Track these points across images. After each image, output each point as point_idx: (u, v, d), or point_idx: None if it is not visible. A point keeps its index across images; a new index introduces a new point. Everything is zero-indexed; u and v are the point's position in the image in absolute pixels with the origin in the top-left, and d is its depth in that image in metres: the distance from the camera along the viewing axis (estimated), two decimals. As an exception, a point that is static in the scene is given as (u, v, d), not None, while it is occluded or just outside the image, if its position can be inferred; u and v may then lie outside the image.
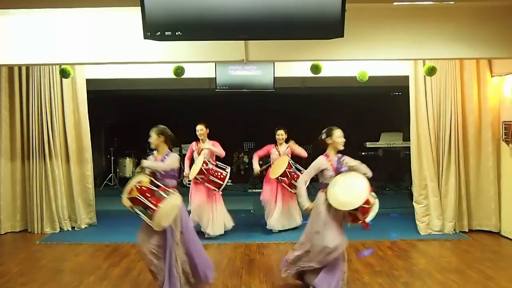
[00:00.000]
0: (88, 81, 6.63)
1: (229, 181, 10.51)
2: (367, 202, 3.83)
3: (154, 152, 4.12)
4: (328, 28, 3.31)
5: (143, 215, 3.80)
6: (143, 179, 3.86)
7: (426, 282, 4.39)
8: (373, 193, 3.94)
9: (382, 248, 5.51)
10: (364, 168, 4.07)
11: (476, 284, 4.33)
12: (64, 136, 6.57)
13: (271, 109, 9.88)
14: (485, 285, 4.30)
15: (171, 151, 4.14)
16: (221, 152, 6.12)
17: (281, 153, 6.53)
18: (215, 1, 3.27)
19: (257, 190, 9.69)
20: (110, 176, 10.19)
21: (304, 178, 4.13)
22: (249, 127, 10.36)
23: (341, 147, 4.09)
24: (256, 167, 6.59)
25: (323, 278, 3.94)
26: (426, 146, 6.15)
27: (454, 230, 6.16)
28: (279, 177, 6.25)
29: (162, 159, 4.01)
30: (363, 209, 3.86)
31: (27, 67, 6.29)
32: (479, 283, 4.33)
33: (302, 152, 6.52)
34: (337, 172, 4.02)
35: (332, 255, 3.90)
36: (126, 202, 3.81)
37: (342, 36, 3.33)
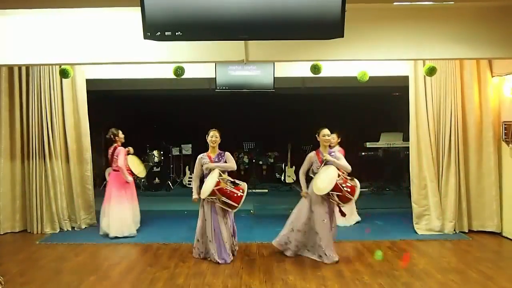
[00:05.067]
0: (88, 81, 6.63)
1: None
2: (336, 189, 4.79)
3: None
4: (328, 28, 3.32)
5: (227, 200, 4.82)
6: (217, 174, 4.92)
7: (426, 282, 4.39)
8: (354, 182, 4.94)
9: (382, 248, 5.51)
10: (341, 163, 5.04)
11: (476, 284, 4.32)
12: (64, 136, 6.56)
13: (271, 109, 9.89)
14: (485, 285, 4.29)
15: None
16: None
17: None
18: (215, 1, 3.28)
19: (257, 191, 9.70)
20: (110, 176, 10.18)
21: (301, 170, 5.22)
22: (249, 127, 10.36)
23: (325, 144, 5.09)
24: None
25: None
26: (426, 146, 6.14)
27: (454, 230, 6.15)
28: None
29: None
30: (339, 196, 4.84)
31: (27, 67, 6.29)
32: (479, 283, 4.33)
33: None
34: (322, 163, 5.05)
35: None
36: (208, 195, 4.81)
37: (342, 36, 3.33)
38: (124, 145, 6.40)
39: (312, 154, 5.15)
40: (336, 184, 4.80)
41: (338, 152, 5.31)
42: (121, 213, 6.08)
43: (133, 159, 6.52)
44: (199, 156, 5.17)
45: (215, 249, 4.99)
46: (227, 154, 5.14)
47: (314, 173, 5.12)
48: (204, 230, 5.07)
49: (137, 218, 6.46)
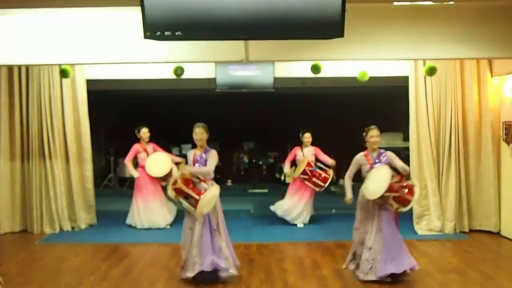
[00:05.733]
0: (88, 81, 6.62)
1: (229, 181, 10.65)
2: (392, 190, 4.23)
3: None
4: (328, 28, 3.32)
5: (187, 204, 4.24)
6: (185, 171, 4.38)
7: (426, 282, 4.39)
8: (412, 181, 4.40)
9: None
10: (400, 164, 4.55)
11: (476, 284, 4.32)
12: (64, 136, 6.55)
13: (271, 109, 9.88)
14: (485, 286, 4.30)
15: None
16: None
17: (305, 154, 6.81)
18: (215, 1, 3.27)
19: (256, 191, 9.70)
20: (109, 176, 10.18)
21: (348, 174, 4.73)
22: (249, 127, 10.35)
23: (374, 146, 4.58)
24: (288, 170, 7.06)
25: None
26: (426, 146, 6.14)
27: (455, 230, 6.15)
28: (300, 176, 6.65)
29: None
30: (396, 198, 4.27)
31: (27, 67, 6.29)
32: (479, 284, 4.33)
33: (327, 159, 6.82)
34: (373, 166, 4.51)
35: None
36: (172, 193, 4.30)
37: (342, 36, 3.33)
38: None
39: (360, 156, 4.61)
40: (391, 184, 4.22)
41: (388, 153, 4.65)
42: (138, 206, 6.55)
43: (156, 157, 6.59)
44: (187, 153, 4.70)
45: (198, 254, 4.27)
46: (211, 152, 4.45)
47: (364, 177, 4.57)
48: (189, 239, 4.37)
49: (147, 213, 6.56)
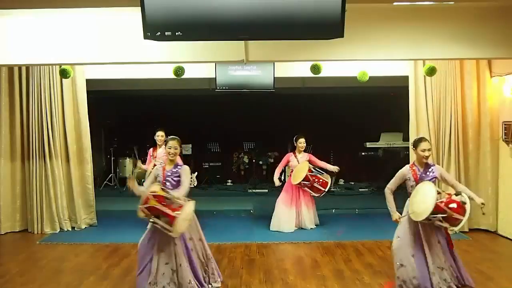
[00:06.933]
0: (88, 81, 6.63)
1: (229, 181, 10.66)
2: (439, 210, 3.74)
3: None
4: (328, 28, 3.32)
5: (162, 223, 3.75)
6: (156, 188, 3.85)
7: (426, 282, 4.38)
8: (464, 198, 3.82)
9: (382, 248, 5.50)
10: (448, 180, 4.07)
11: (476, 284, 4.31)
12: (64, 136, 6.56)
13: (271, 109, 9.88)
14: (485, 285, 4.30)
15: None
16: None
17: (300, 160, 6.63)
18: (215, 1, 3.27)
19: (257, 190, 9.70)
20: (110, 176, 10.19)
21: (389, 187, 4.21)
22: (249, 127, 10.36)
23: (424, 160, 4.01)
24: (276, 180, 6.75)
25: None
26: (426, 146, 6.16)
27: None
28: (302, 182, 6.41)
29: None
30: (445, 217, 3.78)
31: (27, 67, 6.29)
32: (479, 283, 4.32)
33: (327, 166, 6.66)
34: (419, 181, 3.99)
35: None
36: (142, 213, 3.79)
37: (342, 36, 3.33)
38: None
39: (406, 170, 4.10)
40: (437, 205, 3.72)
41: (437, 167, 4.11)
42: None
43: None
44: (156, 166, 4.29)
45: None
46: (184, 169, 4.10)
47: (409, 193, 4.08)
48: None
49: None
